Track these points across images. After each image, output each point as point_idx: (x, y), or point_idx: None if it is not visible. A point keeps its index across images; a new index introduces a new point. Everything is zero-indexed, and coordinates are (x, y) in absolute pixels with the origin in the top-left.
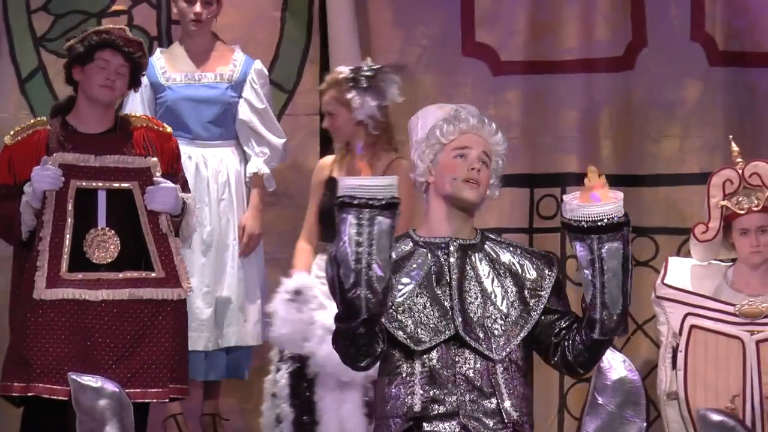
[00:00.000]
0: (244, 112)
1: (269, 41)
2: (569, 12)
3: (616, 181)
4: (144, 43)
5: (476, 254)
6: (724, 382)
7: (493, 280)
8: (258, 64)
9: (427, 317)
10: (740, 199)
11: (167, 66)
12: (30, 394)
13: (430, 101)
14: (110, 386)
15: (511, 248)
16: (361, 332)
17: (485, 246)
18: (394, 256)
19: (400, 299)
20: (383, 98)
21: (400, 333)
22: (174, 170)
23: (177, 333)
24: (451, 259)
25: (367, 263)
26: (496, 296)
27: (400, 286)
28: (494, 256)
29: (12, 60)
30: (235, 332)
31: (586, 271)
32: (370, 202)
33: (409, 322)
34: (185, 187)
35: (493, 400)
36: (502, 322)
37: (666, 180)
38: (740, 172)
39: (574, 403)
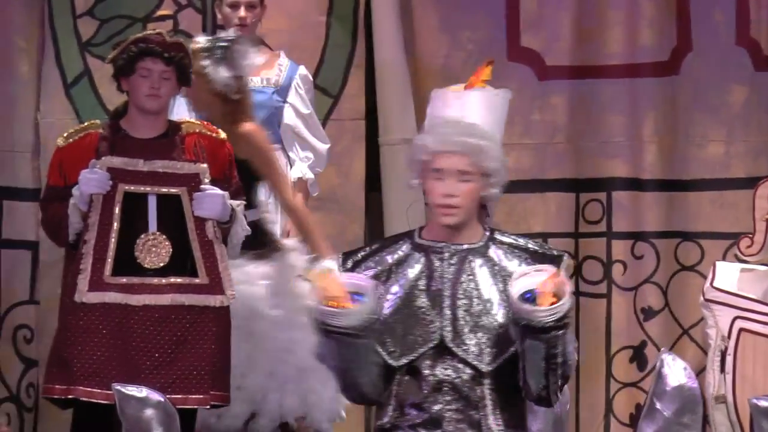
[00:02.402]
0: (289, 117)
1: (315, 46)
2: (614, 16)
3: (661, 186)
4: (185, 42)
5: (477, 259)
6: None
7: (491, 288)
8: (303, 70)
9: (412, 326)
10: None
11: None
12: (70, 396)
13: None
14: (155, 396)
15: (518, 252)
16: None
17: (489, 250)
18: (389, 260)
19: (388, 310)
20: (237, 69)
21: (381, 350)
22: (227, 177)
23: (219, 339)
24: (446, 266)
25: (351, 378)
26: (492, 304)
27: (389, 296)
28: (497, 261)
29: (57, 64)
30: None
31: (518, 347)
32: (347, 330)
33: (397, 333)
34: (240, 194)
35: (479, 412)
36: (495, 332)
37: (711, 185)
38: None
39: (620, 408)
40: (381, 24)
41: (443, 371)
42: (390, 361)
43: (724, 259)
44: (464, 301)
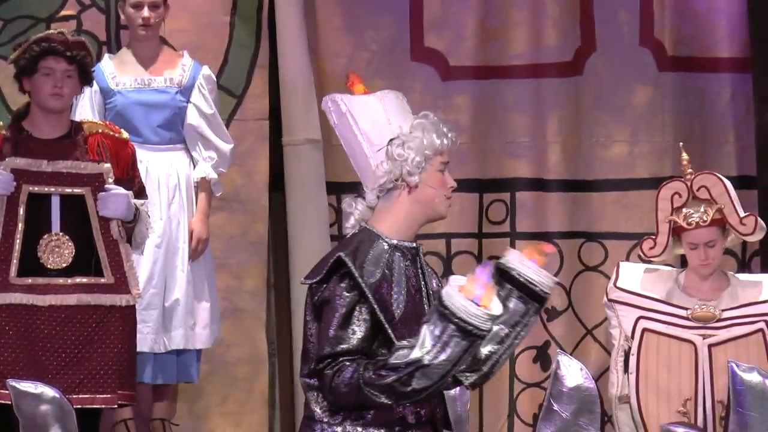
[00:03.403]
0: (192, 117)
1: (218, 46)
2: (518, 17)
3: (565, 186)
4: (87, 42)
5: (422, 257)
6: (676, 386)
7: (435, 285)
8: (206, 70)
9: (415, 329)
10: (689, 212)
11: (116, 71)
12: None
13: None
14: (50, 391)
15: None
16: None
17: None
18: (381, 260)
19: (398, 311)
20: None
21: None
22: (130, 176)
23: (125, 339)
24: (420, 265)
25: (446, 379)
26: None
27: (395, 296)
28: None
29: None
30: (182, 335)
31: (503, 327)
32: (478, 332)
33: (411, 332)
34: (142, 194)
35: (442, 406)
36: None
37: (615, 185)
38: (689, 184)
39: (523, 408)
40: (285, 24)
41: None
42: None
43: (627, 259)
44: (432, 299)
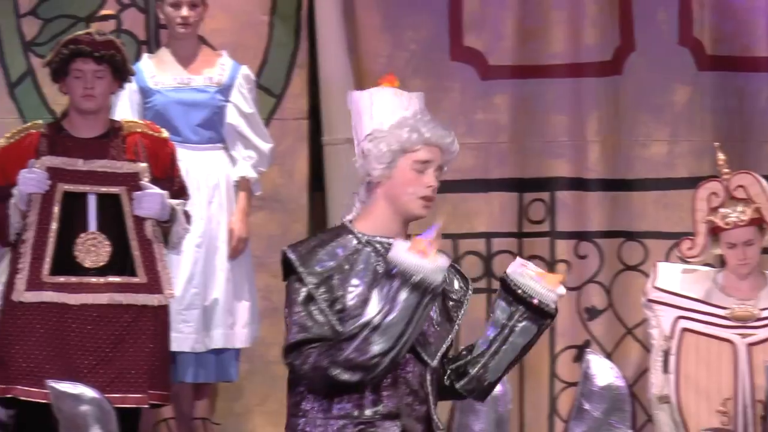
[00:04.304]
0: (232, 116)
1: (258, 45)
2: (557, 16)
3: (605, 185)
4: (116, 40)
5: None
6: (715, 386)
7: None
8: (245, 69)
9: None
10: (726, 212)
11: (156, 70)
12: (8, 395)
13: None
14: (90, 392)
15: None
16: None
17: None
18: (340, 252)
19: (351, 303)
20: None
21: None
22: (170, 176)
23: (157, 339)
24: None
25: (406, 341)
26: None
27: (351, 288)
28: None
29: (1, 64)
30: (222, 334)
31: (491, 330)
32: (424, 284)
33: None
34: (183, 194)
35: (425, 406)
36: (434, 328)
37: (655, 184)
38: (726, 184)
39: (563, 407)
40: (324, 23)
41: (398, 365)
42: None
43: (667, 259)
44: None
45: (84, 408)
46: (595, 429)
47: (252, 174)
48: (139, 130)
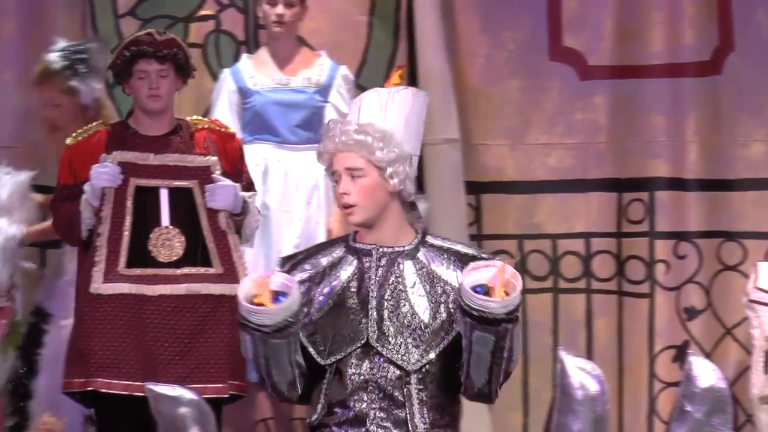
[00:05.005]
0: (331, 117)
1: (357, 46)
2: (656, 16)
3: (704, 185)
4: (177, 38)
5: (405, 261)
6: None
7: (417, 289)
8: (344, 69)
9: (341, 326)
10: None
11: (254, 71)
12: (89, 389)
13: (516, 106)
14: (189, 394)
15: (447, 255)
16: None
17: (419, 253)
18: (324, 263)
19: (317, 311)
20: (102, 74)
21: (311, 348)
22: (238, 170)
23: (235, 329)
24: (374, 267)
25: (267, 373)
26: (418, 306)
27: (320, 297)
28: (425, 263)
29: None
30: None
31: (463, 341)
32: (262, 329)
33: (327, 332)
34: (250, 187)
35: (404, 411)
36: (421, 332)
37: (754, 184)
38: None
39: (663, 408)
40: (423, 23)
41: (369, 371)
42: (319, 360)
43: (766, 259)
44: (391, 303)
45: (183, 410)
46: (697, 430)
47: None
48: (206, 126)
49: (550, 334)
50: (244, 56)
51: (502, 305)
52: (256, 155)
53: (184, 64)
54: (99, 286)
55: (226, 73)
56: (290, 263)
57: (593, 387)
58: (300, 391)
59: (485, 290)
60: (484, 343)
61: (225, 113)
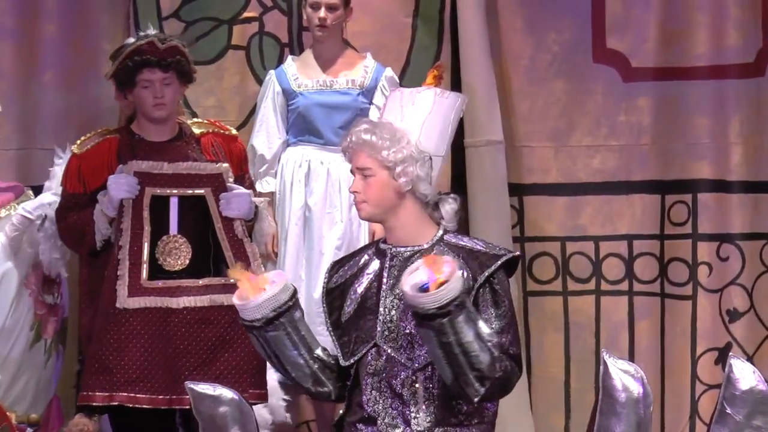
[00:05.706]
0: (374, 118)
1: (401, 48)
2: (699, 18)
3: (747, 187)
4: (180, 44)
5: (419, 261)
6: None
7: None
8: (389, 71)
9: (361, 327)
10: None
11: (299, 73)
12: (114, 403)
13: (560, 108)
14: (229, 393)
15: (459, 252)
16: None
17: (433, 252)
18: (361, 264)
19: (349, 312)
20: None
21: (338, 350)
22: (242, 172)
23: None
24: (389, 268)
25: (282, 370)
26: None
27: (348, 301)
28: None
29: None
30: None
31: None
32: (254, 323)
33: (351, 334)
34: (253, 189)
35: (410, 410)
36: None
37: None
38: None
39: (705, 410)
40: (467, 25)
41: (380, 370)
42: (341, 361)
43: None
44: (401, 302)
45: (223, 409)
46: None
47: None
48: (210, 130)
49: (592, 336)
50: (290, 58)
51: (433, 300)
52: (300, 157)
53: (187, 70)
54: (125, 300)
55: (271, 75)
56: (337, 266)
57: (636, 389)
58: (332, 388)
59: (428, 287)
60: (428, 340)
61: (270, 115)
